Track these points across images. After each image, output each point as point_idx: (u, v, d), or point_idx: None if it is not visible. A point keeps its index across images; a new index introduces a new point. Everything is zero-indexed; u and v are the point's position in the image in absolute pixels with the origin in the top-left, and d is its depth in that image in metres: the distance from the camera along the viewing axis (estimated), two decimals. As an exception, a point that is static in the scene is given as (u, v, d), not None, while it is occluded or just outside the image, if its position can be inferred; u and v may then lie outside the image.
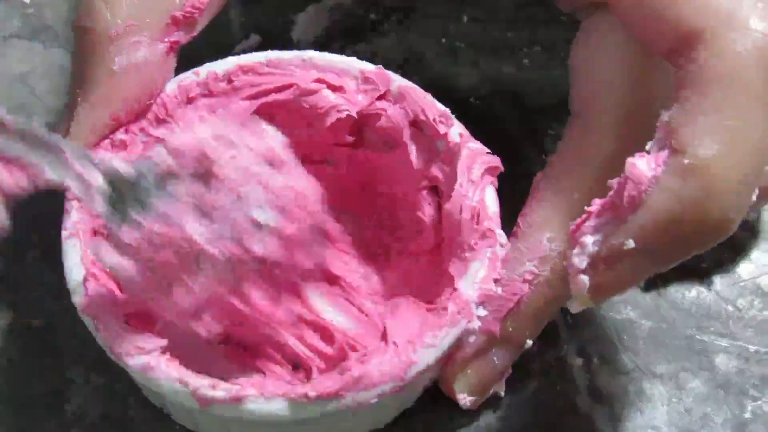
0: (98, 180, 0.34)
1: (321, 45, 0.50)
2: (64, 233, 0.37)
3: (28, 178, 0.33)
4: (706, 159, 0.32)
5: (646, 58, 0.37)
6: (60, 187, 0.34)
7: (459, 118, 0.40)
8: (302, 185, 0.36)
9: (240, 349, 0.40)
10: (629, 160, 0.33)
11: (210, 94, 0.41)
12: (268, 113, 0.40)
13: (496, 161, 0.40)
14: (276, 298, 0.37)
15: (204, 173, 0.35)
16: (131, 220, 0.34)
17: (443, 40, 0.51)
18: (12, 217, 0.44)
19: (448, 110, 0.40)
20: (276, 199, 0.35)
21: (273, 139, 0.36)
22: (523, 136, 0.48)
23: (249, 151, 0.35)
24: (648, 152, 0.33)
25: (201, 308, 0.35)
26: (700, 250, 0.34)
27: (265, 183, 0.35)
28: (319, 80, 0.41)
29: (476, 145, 0.40)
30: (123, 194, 0.34)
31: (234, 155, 0.35)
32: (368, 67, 0.41)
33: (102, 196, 0.34)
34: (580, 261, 0.34)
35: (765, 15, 0.33)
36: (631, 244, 0.33)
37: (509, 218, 0.39)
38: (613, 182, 0.34)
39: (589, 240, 0.34)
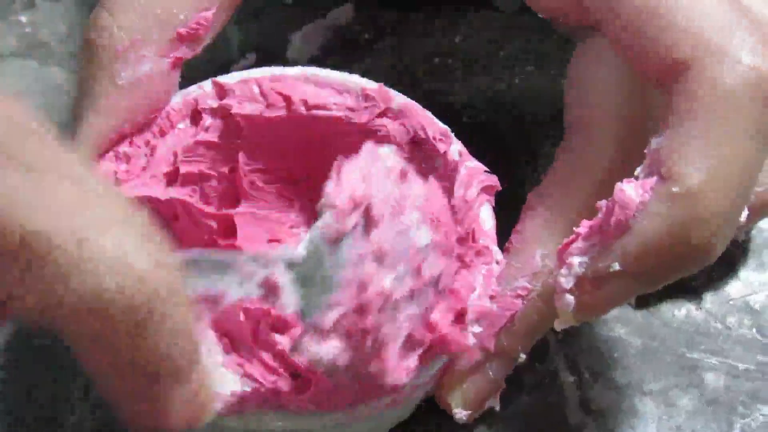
0: (282, 275, 0.32)
1: (316, 63, 0.50)
2: None
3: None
4: (693, 187, 0.32)
5: None
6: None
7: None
8: (423, 188, 0.34)
9: (239, 359, 0.40)
10: (618, 185, 0.34)
11: None
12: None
13: (493, 180, 0.40)
14: (454, 316, 0.36)
15: (366, 220, 0.32)
16: (324, 302, 0.31)
17: (436, 59, 0.52)
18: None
19: (447, 128, 0.40)
20: (421, 214, 0.33)
21: (389, 155, 0.34)
22: (516, 150, 0.48)
23: (385, 177, 0.33)
24: (637, 178, 0.34)
25: (402, 354, 0.33)
26: (684, 275, 0.34)
27: (405, 201, 0.33)
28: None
29: (474, 164, 0.40)
30: (305, 278, 0.32)
31: (378, 189, 0.32)
32: (370, 84, 0.41)
33: (292, 290, 0.32)
34: (566, 281, 0.34)
35: (754, 48, 0.33)
36: (617, 267, 0.33)
37: (501, 232, 0.39)
38: (602, 205, 0.34)
39: (576, 261, 0.34)
